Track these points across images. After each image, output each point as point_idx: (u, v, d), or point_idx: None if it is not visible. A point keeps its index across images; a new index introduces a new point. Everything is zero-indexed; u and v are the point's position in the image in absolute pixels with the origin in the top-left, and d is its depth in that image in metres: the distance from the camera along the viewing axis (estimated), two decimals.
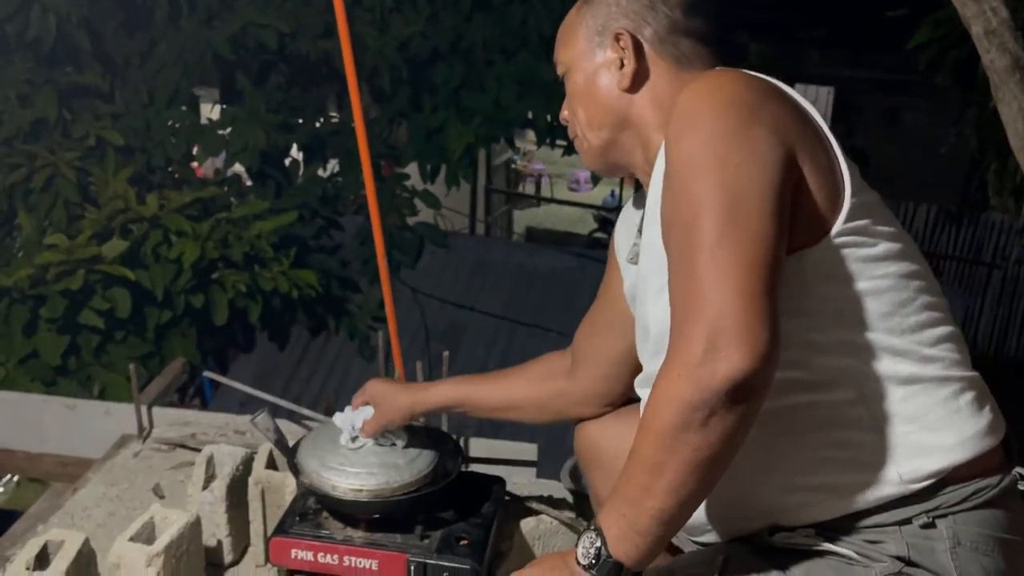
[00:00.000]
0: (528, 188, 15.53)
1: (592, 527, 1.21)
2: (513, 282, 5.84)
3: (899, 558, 1.21)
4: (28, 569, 1.83)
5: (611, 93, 1.40)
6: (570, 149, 7.29)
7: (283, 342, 5.59)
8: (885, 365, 1.24)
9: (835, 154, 1.27)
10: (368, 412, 1.86)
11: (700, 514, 1.31)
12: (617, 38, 1.39)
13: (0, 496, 5.54)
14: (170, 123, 5.31)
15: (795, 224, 1.19)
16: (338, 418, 1.89)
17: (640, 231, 1.45)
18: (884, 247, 1.26)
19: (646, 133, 1.40)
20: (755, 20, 6.94)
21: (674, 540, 1.38)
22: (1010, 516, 1.25)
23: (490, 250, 6.74)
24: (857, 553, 1.22)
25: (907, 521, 1.22)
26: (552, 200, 15.14)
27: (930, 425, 1.23)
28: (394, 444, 1.85)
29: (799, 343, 1.21)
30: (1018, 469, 1.28)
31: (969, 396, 1.27)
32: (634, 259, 1.49)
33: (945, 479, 1.22)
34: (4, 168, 4.62)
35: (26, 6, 4.66)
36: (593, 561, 1.19)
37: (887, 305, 1.24)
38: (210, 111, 5.91)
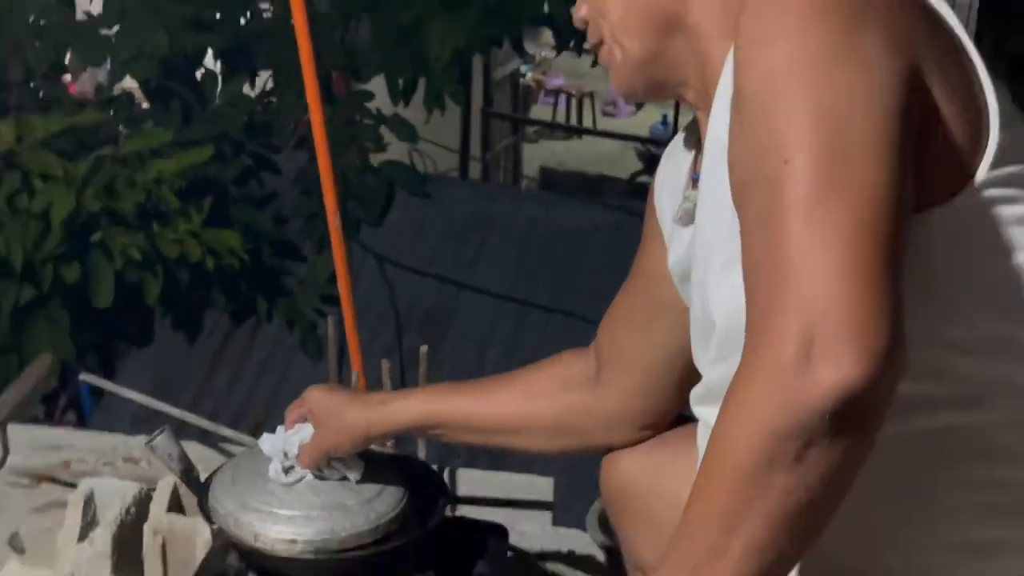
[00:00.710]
0: (543, 113, 15.59)
1: None
2: (522, 247, 5.88)
3: None
4: None
5: None
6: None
7: (194, 332, 5.64)
8: None
9: (977, 71, 1.28)
10: (307, 432, 1.89)
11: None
12: None
13: None
14: (32, 19, 5.34)
15: (922, 171, 1.19)
16: (266, 441, 1.92)
17: (695, 181, 1.47)
18: None
19: (704, 42, 1.42)
20: None
21: None
22: None
23: (490, 202, 6.78)
24: None
25: None
26: (578, 129, 15.23)
27: None
28: (345, 478, 1.89)
29: (929, 341, 1.22)
30: None
31: None
32: (686, 220, 1.51)
33: None
34: None
35: None
36: None
37: None
38: (89, 4, 5.96)
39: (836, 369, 1.07)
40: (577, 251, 5.83)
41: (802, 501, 1.11)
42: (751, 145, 1.19)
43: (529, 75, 15.25)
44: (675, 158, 1.63)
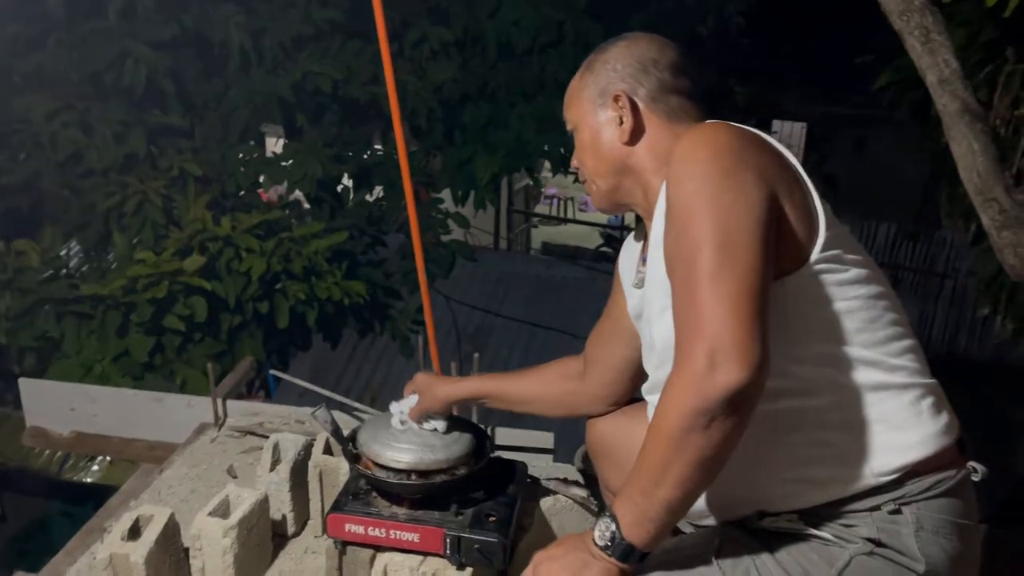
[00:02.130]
0: (543, 209, 15.50)
1: (608, 514, 1.20)
2: (532, 290, 5.85)
3: (870, 540, 1.20)
4: (123, 539, 1.85)
5: (613, 146, 1.40)
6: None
7: (335, 342, 5.56)
8: (857, 374, 1.23)
9: (810, 192, 1.27)
10: (414, 400, 1.87)
11: (700, 503, 1.30)
12: (616, 99, 1.39)
13: (95, 473, 5.57)
14: (241, 156, 5.32)
15: (778, 254, 1.19)
16: (392, 406, 1.90)
17: (644, 260, 1.44)
18: (854, 272, 1.25)
19: (645, 178, 1.39)
20: (739, 66, 6.93)
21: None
22: (965, 504, 1.24)
23: (512, 263, 6.73)
24: (833, 536, 1.22)
25: (877, 508, 1.21)
26: (564, 219, 15.12)
27: (897, 426, 1.23)
28: (435, 429, 1.85)
29: (782, 356, 1.20)
30: (971, 463, 1.27)
31: (929, 400, 1.26)
32: (639, 284, 1.48)
33: (909, 472, 1.22)
34: (102, 195, 4.64)
35: (121, 58, 4.68)
36: (609, 543, 1.19)
37: (858, 322, 1.23)
38: (275, 145, 5.93)
39: (728, 375, 1.07)
40: (566, 293, 5.79)
41: (707, 454, 1.11)
42: (677, 241, 1.18)
43: (533, 186, 15.16)
44: (630, 246, 1.60)
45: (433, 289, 5.75)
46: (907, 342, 1.28)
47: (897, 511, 1.21)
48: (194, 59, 5.14)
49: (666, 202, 1.23)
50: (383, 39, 2.29)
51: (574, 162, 1.51)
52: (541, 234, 14.39)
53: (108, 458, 5.20)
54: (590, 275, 6.02)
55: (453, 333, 5.65)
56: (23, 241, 4.39)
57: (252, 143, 5.48)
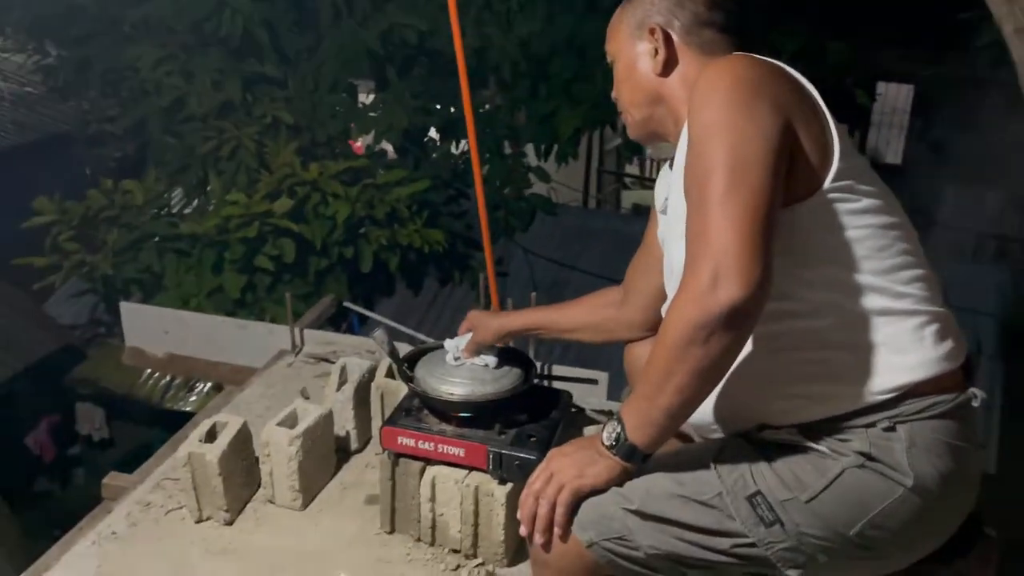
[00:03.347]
0: (635, 171, 15.33)
1: (615, 418, 1.28)
2: (610, 245, 5.85)
3: (862, 453, 1.23)
4: (200, 441, 2.04)
5: (648, 77, 1.43)
6: None
7: (417, 289, 5.75)
8: (863, 298, 1.26)
9: (827, 124, 1.28)
10: (468, 337, 1.95)
11: (707, 416, 1.36)
12: (651, 31, 1.41)
13: (193, 403, 5.94)
14: (331, 106, 5.49)
15: (790, 181, 1.22)
16: (448, 343, 1.99)
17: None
18: (866, 202, 1.27)
19: (676, 107, 1.42)
20: (833, 20, 6.70)
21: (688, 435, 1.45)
22: (960, 426, 1.27)
23: (592, 219, 6.76)
24: (828, 449, 1.25)
25: (872, 424, 1.24)
26: (652, 179, 14.95)
27: (898, 348, 1.26)
28: (486, 365, 1.93)
29: (791, 279, 1.24)
30: (973, 390, 1.29)
31: (934, 327, 1.28)
32: (664, 209, 1.53)
33: (907, 393, 1.24)
34: (200, 140, 4.89)
35: (219, 9, 4.90)
36: (614, 443, 1.27)
37: (867, 250, 1.26)
38: (365, 97, 6.08)
39: (729, 291, 1.13)
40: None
41: (706, 364, 1.17)
42: (693, 165, 1.23)
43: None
44: (665, 173, 1.63)
45: (511, 241, 5.86)
46: (917, 271, 1.30)
47: (892, 428, 1.24)
48: (288, 11, 5.32)
49: (688, 129, 1.27)
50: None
51: (613, 93, 1.54)
52: (632, 195, 14.25)
53: (205, 388, 5.55)
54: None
55: (529, 285, 5.74)
56: (129, 181, 4.68)
57: (343, 95, 5.63)
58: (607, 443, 1.28)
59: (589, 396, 2.51)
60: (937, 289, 1.33)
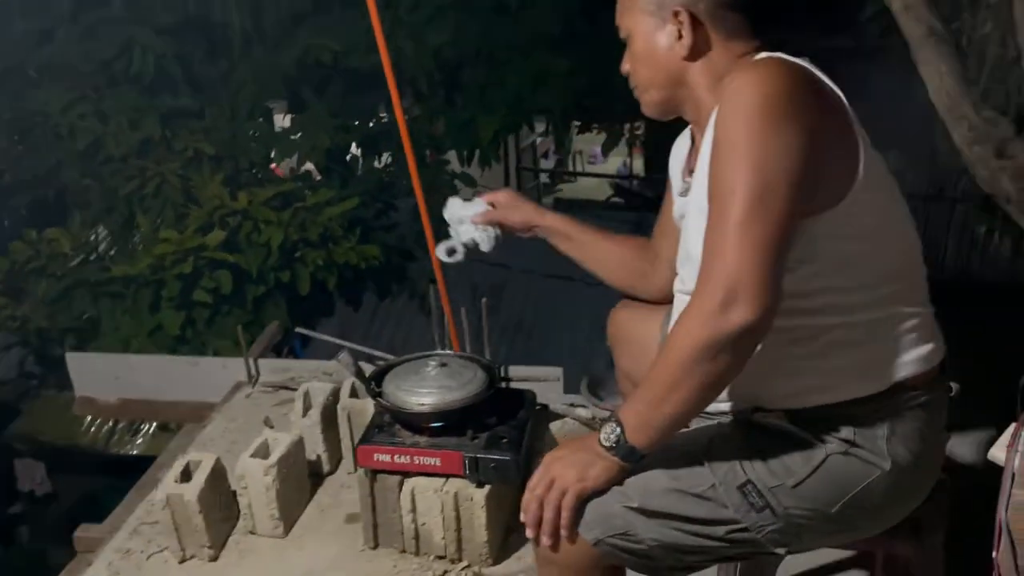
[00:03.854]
0: (551, 164, 15.47)
1: (613, 419, 1.32)
2: (544, 243, 5.89)
3: (846, 441, 1.31)
4: (176, 481, 2.04)
5: (670, 60, 1.39)
6: (584, 128, 7.43)
7: (357, 306, 5.70)
8: (864, 301, 1.31)
9: (857, 135, 1.30)
10: (478, 207, 1.80)
11: None
12: (676, 14, 1.36)
13: (139, 445, 5.81)
14: (251, 133, 5.46)
15: (815, 195, 1.24)
16: (450, 207, 1.86)
17: (690, 171, 1.48)
18: (879, 214, 1.32)
19: (698, 93, 1.40)
20: None
21: None
22: (935, 416, 1.36)
23: None
24: (813, 436, 1.32)
25: (858, 415, 1.32)
26: (574, 173, 15.11)
27: (890, 349, 1.33)
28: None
29: (806, 282, 1.29)
30: (951, 383, 1.38)
31: (922, 329, 1.36)
32: (684, 193, 1.52)
33: (892, 388, 1.32)
34: (122, 180, 4.81)
35: (128, 47, 4.83)
36: (614, 444, 1.31)
37: (873, 257, 1.31)
38: (282, 120, 6.05)
39: (741, 316, 1.17)
40: None
41: (710, 381, 1.23)
42: (718, 177, 1.24)
43: (539, 142, 15.10)
44: (679, 149, 1.60)
45: None
46: (913, 277, 1.37)
47: (876, 419, 1.31)
48: (199, 42, 5.26)
49: (715, 134, 1.27)
50: (372, 7, 2.39)
51: (625, 67, 1.49)
52: (551, 191, 14.41)
53: (151, 430, 5.44)
54: (601, 224, 6.08)
55: (468, 289, 5.76)
56: (54, 229, 4.57)
57: (260, 120, 5.60)
58: (606, 444, 1.32)
59: (549, 392, 2.58)
60: (926, 290, 1.40)
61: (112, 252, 4.98)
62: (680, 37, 1.37)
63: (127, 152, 4.90)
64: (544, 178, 14.62)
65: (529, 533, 1.38)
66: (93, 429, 5.61)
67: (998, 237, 5.20)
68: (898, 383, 1.32)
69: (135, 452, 5.73)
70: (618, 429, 1.31)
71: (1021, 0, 2.38)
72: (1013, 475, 1.21)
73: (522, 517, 1.38)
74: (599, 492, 1.34)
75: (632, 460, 1.32)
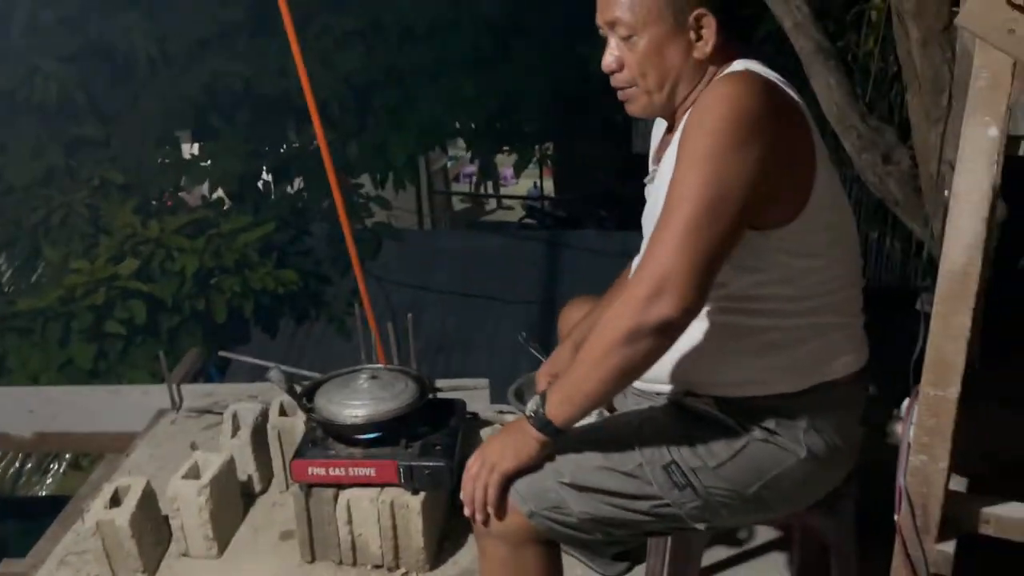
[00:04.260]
0: (464, 188, 15.59)
1: (540, 395, 1.39)
2: (459, 263, 5.99)
3: (767, 429, 1.40)
4: (106, 507, 2.01)
5: (685, 62, 1.39)
6: (490, 149, 7.49)
7: (274, 332, 5.65)
8: (804, 311, 1.40)
9: (815, 150, 1.34)
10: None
11: (652, 370, 1.43)
12: (699, 18, 1.36)
13: (50, 485, 5.60)
14: (159, 160, 5.37)
15: (768, 212, 1.31)
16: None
17: (658, 160, 1.52)
18: (829, 234, 1.39)
19: (697, 91, 1.41)
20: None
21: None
22: (852, 412, 1.47)
23: (437, 239, 6.88)
24: (737, 423, 1.41)
25: (781, 408, 1.41)
26: (486, 195, 15.26)
27: (820, 354, 1.42)
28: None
29: (749, 287, 1.38)
30: (870, 386, 1.49)
31: (850, 339, 1.46)
32: (650, 181, 1.57)
33: (816, 387, 1.41)
34: (26, 211, 4.67)
35: (29, 76, 4.71)
36: (532, 414, 1.38)
37: (818, 273, 1.39)
38: (190, 148, 5.97)
39: (663, 308, 1.25)
40: (491, 262, 5.92)
41: (629, 365, 1.30)
42: (677, 178, 1.29)
43: (451, 165, 15.23)
44: (657, 130, 1.63)
45: (363, 271, 5.89)
46: (850, 290, 1.46)
47: (796, 412, 1.41)
48: (102, 69, 5.16)
49: (680, 138, 1.33)
50: (290, 30, 2.41)
51: (611, 64, 1.44)
52: (463, 212, 14.54)
53: (62, 468, 5.26)
54: (514, 243, 6.19)
55: (388, 312, 5.79)
56: None
57: (168, 147, 5.52)
58: (527, 413, 1.39)
59: (477, 402, 2.63)
60: (860, 302, 1.49)
61: (14, 287, 4.83)
62: (699, 39, 1.37)
63: (29, 182, 4.76)
64: (457, 199, 14.79)
65: (466, 511, 1.44)
66: None
67: (889, 241, 5.50)
68: (820, 383, 1.42)
69: (44, 492, 5.52)
70: (540, 403, 1.37)
71: (899, 20, 2.56)
72: (908, 444, 1.32)
73: (461, 494, 1.44)
74: (524, 469, 1.41)
75: (548, 433, 1.38)
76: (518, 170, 7.61)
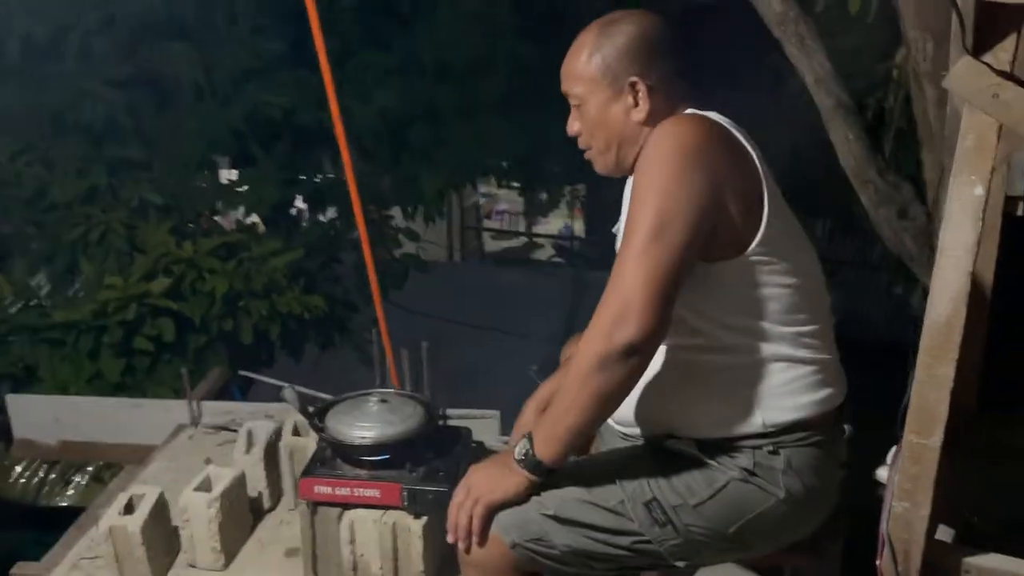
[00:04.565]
0: (495, 224, 15.69)
1: (526, 435, 1.45)
2: (483, 297, 6.03)
3: (746, 470, 1.44)
4: (120, 514, 2.08)
5: (627, 125, 1.50)
6: (523, 190, 7.64)
7: (298, 357, 5.66)
8: (770, 346, 1.45)
9: (762, 189, 1.42)
10: None
11: (629, 416, 1.53)
12: (632, 85, 1.48)
13: (71, 497, 5.68)
14: (198, 184, 5.50)
15: (717, 242, 1.38)
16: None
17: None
18: (784, 265, 1.44)
19: (633, 153, 1.51)
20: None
21: (611, 427, 1.62)
22: (830, 452, 1.50)
23: (464, 272, 6.95)
24: (718, 463, 1.46)
25: (759, 447, 1.45)
26: (516, 233, 15.35)
27: (791, 391, 1.46)
28: None
29: (712, 323, 1.43)
30: (846, 426, 1.53)
31: (822, 375, 1.50)
32: (618, 230, 1.63)
33: (792, 426, 1.46)
34: (67, 227, 4.81)
35: (80, 97, 4.88)
36: (523, 457, 1.44)
37: (778, 305, 1.45)
38: (228, 173, 6.11)
39: (626, 333, 1.31)
40: (515, 297, 5.95)
41: (604, 391, 1.36)
42: (630, 212, 1.39)
43: (483, 202, 15.33)
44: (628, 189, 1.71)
45: (387, 301, 5.96)
46: (816, 326, 1.50)
47: (774, 452, 1.45)
48: (149, 95, 5.33)
49: (633, 178, 1.43)
50: (325, 68, 2.53)
51: (574, 128, 1.57)
52: (494, 249, 14.60)
53: (85, 480, 5.34)
54: (540, 277, 6.22)
55: (408, 341, 5.83)
56: None
57: (207, 172, 5.64)
58: (517, 457, 1.44)
59: (485, 432, 2.67)
60: (831, 340, 1.54)
61: (52, 299, 4.95)
62: (636, 104, 1.48)
63: (72, 199, 4.91)
64: (488, 237, 14.88)
65: (450, 538, 1.48)
66: (23, 481, 5.49)
67: (911, 296, 5.48)
68: (797, 422, 1.45)
69: (66, 503, 5.61)
70: (528, 444, 1.43)
71: (916, 78, 2.61)
72: (893, 491, 1.35)
73: (447, 523, 1.49)
74: (510, 503, 1.46)
75: (539, 473, 1.43)
76: (547, 209, 7.69)
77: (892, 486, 1.36)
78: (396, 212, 6.32)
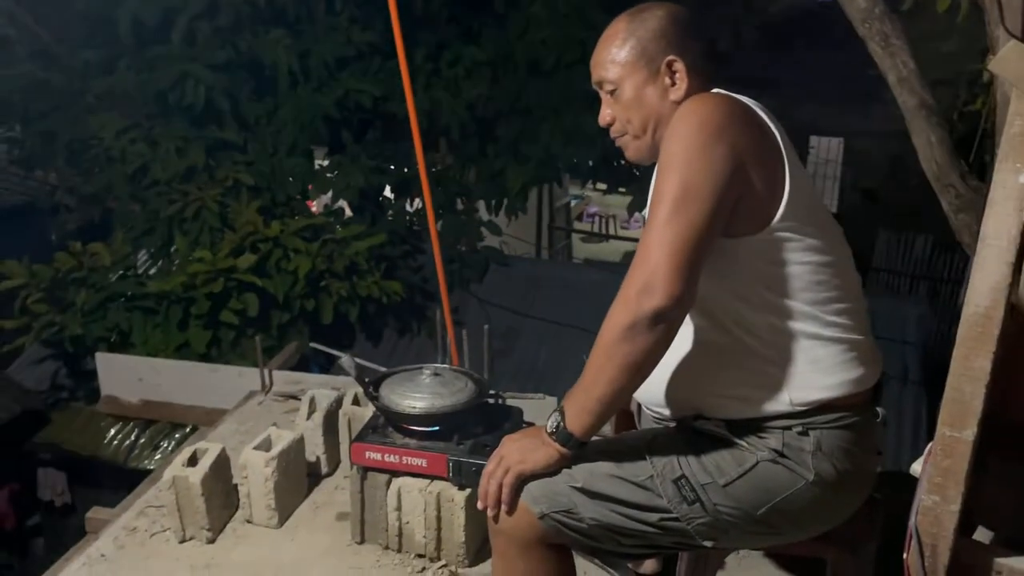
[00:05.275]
0: (587, 227, 15.70)
1: (558, 408, 1.46)
2: (561, 293, 6.03)
3: (776, 451, 1.42)
4: (183, 465, 2.20)
5: (662, 105, 1.51)
6: (611, 189, 7.58)
7: (377, 340, 5.82)
8: (796, 323, 1.44)
9: (785, 166, 1.41)
10: None
11: (660, 398, 1.54)
12: (670, 65, 1.49)
13: (158, 461, 5.94)
14: (290, 168, 5.70)
15: (739, 217, 1.38)
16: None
17: None
18: (809, 242, 1.43)
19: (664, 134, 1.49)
20: (759, 79, 7.11)
21: (644, 411, 1.63)
22: (861, 436, 1.46)
23: (544, 268, 6.97)
24: (747, 444, 1.44)
25: (788, 428, 1.43)
26: (607, 236, 15.31)
27: (820, 369, 1.44)
28: None
29: (737, 300, 1.42)
30: (879, 408, 1.49)
31: (853, 354, 1.47)
32: (646, 215, 1.64)
33: (821, 407, 1.43)
34: (165, 203, 5.06)
35: (182, 80, 5.13)
36: (554, 430, 1.45)
37: (804, 282, 1.43)
38: (321, 159, 6.31)
39: (652, 301, 1.31)
40: (593, 295, 5.93)
41: (631, 360, 1.35)
42: (656, 185, 1.39)
43: (574, 204, 15.35)
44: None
45: (467, 292, 6.06)
46: (846, 304, 1.48)
47: (804, 433, 1.43)
48: (247, 79, 5.55)
49: (659, 158, 1.43)
50: (403, 61, 2.59)
51: (606, 118, 1.58)
52: (583, 251, 14.58)
53: (170, 446, 5.61)
54: (614, 279, 6.16)
55: (480, 330, 5.90)
56: (96, 244, 4.82)
57: (300, 156, 5.83)
58: (549, 430, 1.46)
59: (540, 415, 2.69)
60: (863, 320, 1.51)
61: (150, 270, 5.22)
62: (673, 84, 1.50)
63: (172, 177, 5.16)
64: (579, 239, 14.89)
65: (480, 504, 1.52)
66: (115, 443, 5.79)
67: None
68: (825, 403, 1.43)
69: (153, 467, 5.89)
70: (559, 416, 1.44)
71: (1000, 82, 2.52)
72: (924, 485, 1.32)
73: (479, 491, 1.52)
74: (540, 475, 1.47)
75: (570, 446, 1.44)
76: (631, 210, 7.64)
77: (924, 480, 1.33)
78: (480, 205, 6.41)
